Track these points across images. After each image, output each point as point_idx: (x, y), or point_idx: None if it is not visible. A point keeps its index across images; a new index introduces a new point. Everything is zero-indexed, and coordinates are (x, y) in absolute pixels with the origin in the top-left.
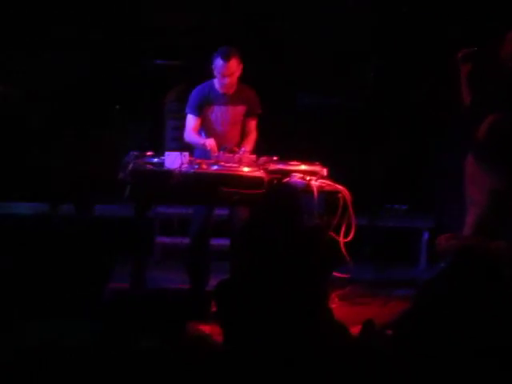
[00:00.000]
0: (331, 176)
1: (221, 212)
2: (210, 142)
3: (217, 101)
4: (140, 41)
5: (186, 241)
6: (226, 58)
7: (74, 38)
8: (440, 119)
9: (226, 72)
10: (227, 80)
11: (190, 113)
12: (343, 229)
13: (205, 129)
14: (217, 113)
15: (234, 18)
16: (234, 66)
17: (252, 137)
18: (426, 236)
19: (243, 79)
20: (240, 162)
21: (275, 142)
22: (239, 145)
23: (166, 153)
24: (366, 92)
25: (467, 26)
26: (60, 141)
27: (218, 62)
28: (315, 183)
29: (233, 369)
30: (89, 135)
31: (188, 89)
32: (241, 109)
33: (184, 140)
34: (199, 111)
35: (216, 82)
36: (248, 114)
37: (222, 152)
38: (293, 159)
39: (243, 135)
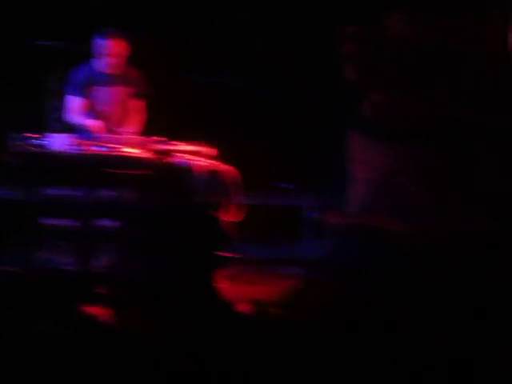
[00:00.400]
0: (220, 156)
1: (107, 193)
2: (95, 123)
3: (100, 81)
4: (22, 21)
5: (73, 222)
6: (108, 38)
7: None
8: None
9: (109, 51)
10: (110, 60)
11: (73, 94)
12: (230, 208)
13: (90, 110)
14: (101, 93)
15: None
16: (118, 47)
17: (139, 118)
18: (311, 214)
19: (138, 60)
20: (126, 144)
21: (167, 122)
22: (125, 126)
23: (49, 134)
24: (252, 71)
25: (351, 6)
26: None
27: (101, 42)
28: (202, 163)
29: (121, 350)
30: None
31: (70, 70)
32: (125, 90)
33: (66, 121)
34: (82, 92)
35: (98, 63)
36: (134, 96)
37: (107, 133)
38: (183, 140)
39: (130, 116)
